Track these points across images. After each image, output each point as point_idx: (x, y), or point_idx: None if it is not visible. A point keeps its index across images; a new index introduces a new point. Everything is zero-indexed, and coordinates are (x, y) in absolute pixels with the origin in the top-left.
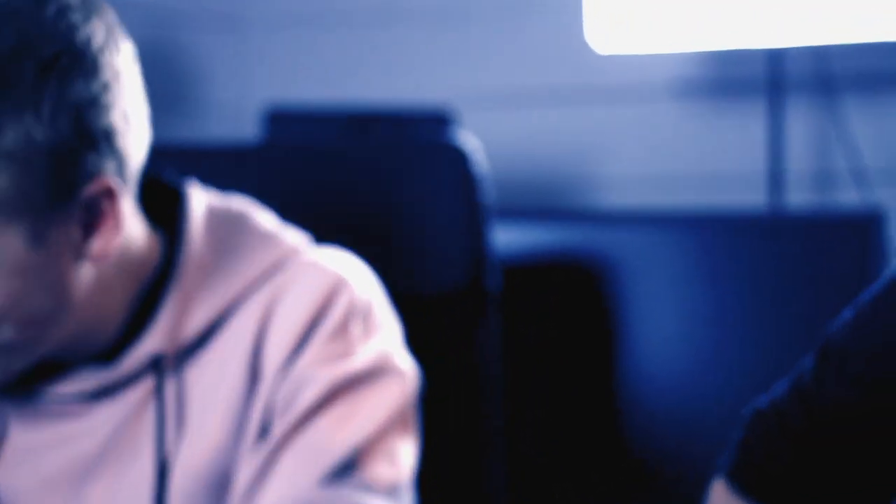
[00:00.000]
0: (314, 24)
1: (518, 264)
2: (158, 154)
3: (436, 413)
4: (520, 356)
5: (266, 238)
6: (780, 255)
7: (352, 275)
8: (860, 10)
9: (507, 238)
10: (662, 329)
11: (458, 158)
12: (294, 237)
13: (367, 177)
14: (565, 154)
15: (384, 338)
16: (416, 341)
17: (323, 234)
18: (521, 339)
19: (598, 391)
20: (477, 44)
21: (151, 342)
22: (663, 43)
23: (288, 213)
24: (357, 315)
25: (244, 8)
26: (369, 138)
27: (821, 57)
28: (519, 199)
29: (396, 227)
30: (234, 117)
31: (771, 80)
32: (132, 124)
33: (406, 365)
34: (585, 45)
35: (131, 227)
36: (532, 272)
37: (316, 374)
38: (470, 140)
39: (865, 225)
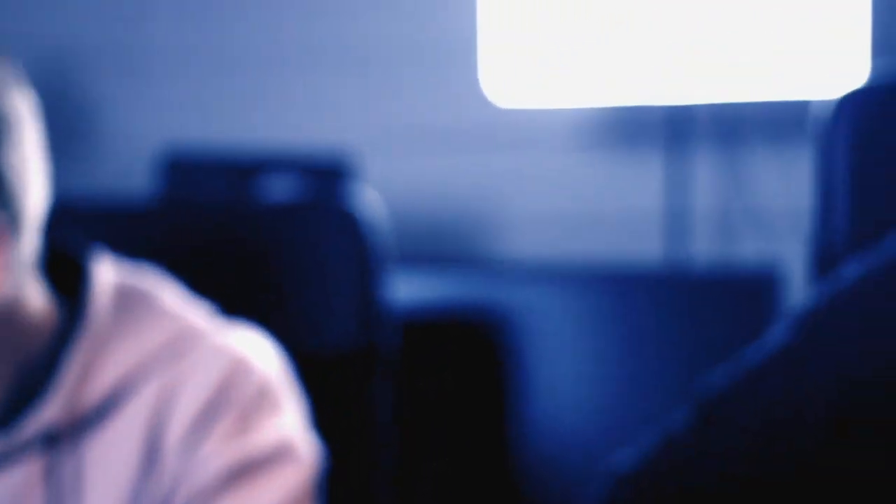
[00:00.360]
0: (216, 67)
1: (416, 314)
2: (56, 212)
3: (331, 471)
4: (417, 409)
5: (171, 315)
6: (678, 311)
7: (255, 355)
8: (759, 69)
9: (406, 286)
10: (561, 382)
11: (350, 220)
12: (199, 314)
13: (259, 235)
14: (466, 201)
15: (286, 420)
16: (311, 401)
17: (215, 293)
18: (418, 392)
19: (494, 445)
20: (378, 89)
21: (48, 412)
22: (559, 99)
23: (181, 272)
24: (259, 397)
25: (144, 49)
26: (265, 189)
27: (723, 108)
28: (418, 246)
29: (290, 288)
30: (132, 158)
31: (670, 130)
32: (28, 175)
33: (307, 448)
34: (484, 95)
35: (23, 284)
36: (430, 322)
37: (214, 457)
38: (364, 195)
39: (763, 282)
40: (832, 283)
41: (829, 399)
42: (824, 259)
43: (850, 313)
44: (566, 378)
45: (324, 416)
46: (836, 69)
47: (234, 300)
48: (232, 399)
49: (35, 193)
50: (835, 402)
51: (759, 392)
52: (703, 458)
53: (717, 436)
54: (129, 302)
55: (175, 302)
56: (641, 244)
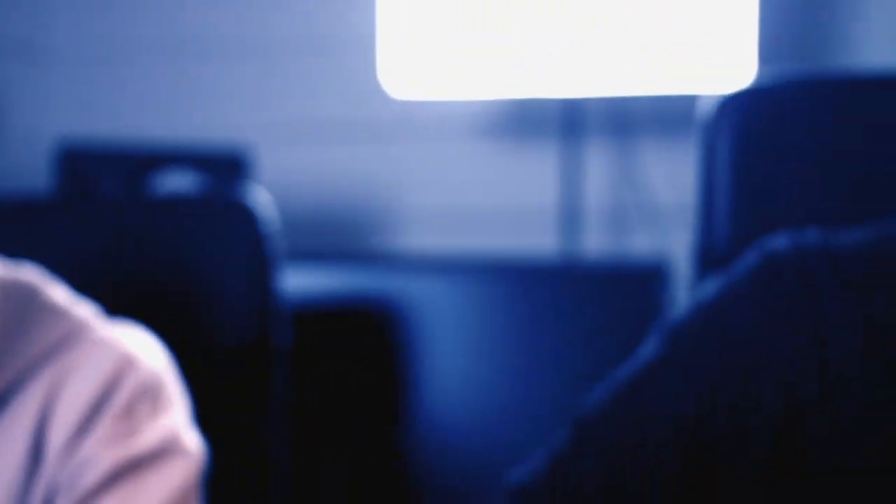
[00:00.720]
0: (114, 58)
1: (312, 308)
2: None
3: (221, 464)
4: (311, 402)
5: (54, 313)
6: (570, 303)
7: (141, 352)
8: (651, 63)
9: (301, 280)
10: (454, 374)
11: (245, 214)
12: (84, 312)
13: (154, 229)
14: (364, 193)
15: (172, 417)
16: (205, 394)
17: (111, 287)
18: (312, 385)
19: (387, 435)
20: (276, 81)
21: None
22: (457, 90)
23: (75, 266)
24: (144, 394)
25: (42, 40)
26: (161, 183)
27: (616, 102)
28: (315, 238)
29: (184, 281)
30: (28, 149)
31: (565, 124)
32: None
33: (193, 443)
34: (381, 87)
35: None
36: (326, 315)
37: (99, 455)
38: (260, 189)
39: (653, 276)
40: (699, 295)
41: (691, 413)
42: (706, 257)
43: (713, 327)
44: (460, 369)
45: (218, 410)
46: (725, 66)
47: (128, 294)
48: (117, 396)
49: None
50: (697, 416)
51: (630, 407)
52: (584, 474)
53: (595, 452)
54: (14, 299)
55: (61, 299)
56: (535, 237)
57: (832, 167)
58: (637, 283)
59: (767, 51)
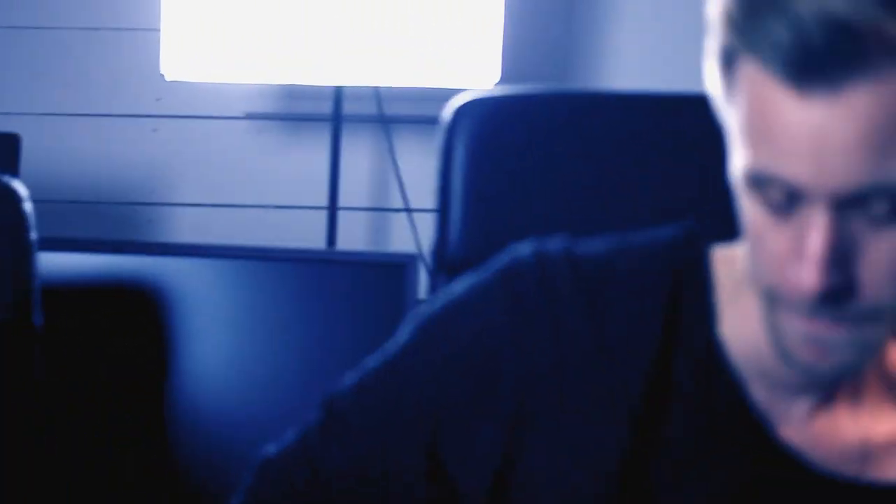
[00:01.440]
0: None
1: (74, 293)
2: None
3: None
4: (72, 383)
5: None
6: (331, 294)
7: None
8: (412, 56)
9: (67, 262)
10: (214, 357)
11: (5, 196)
12: None
13: None
14: (136, 177)
15: None
16: None
17: None
18: (74, 366)
19: (150, 417)
20: (46, 62)
21: None
22: (233, 74)
23: None
24: None
25: None
26: None
27: (378, 97)
28: (81, 222)
29: None
30: None
31: (334, 114)
32: None
33: None
34: (157, 70)
35: None
36: (89, 301)
37: None
38: (21, 172)
39: (411, 270)
40: (449, 291)
41: (435, 400)
42: (442, 257)
43: (459, 322)
44: (219, 354)
45: None
46: (474, 68)
47: None
48: None
49: None
50: (441, 403)
51: (379, 393)
52: (331, 454)
53: (343, 432)
54: None
55: None
56: (302, 225)
57: (556, 177)
58: (393, 274)
59: (514, 59)
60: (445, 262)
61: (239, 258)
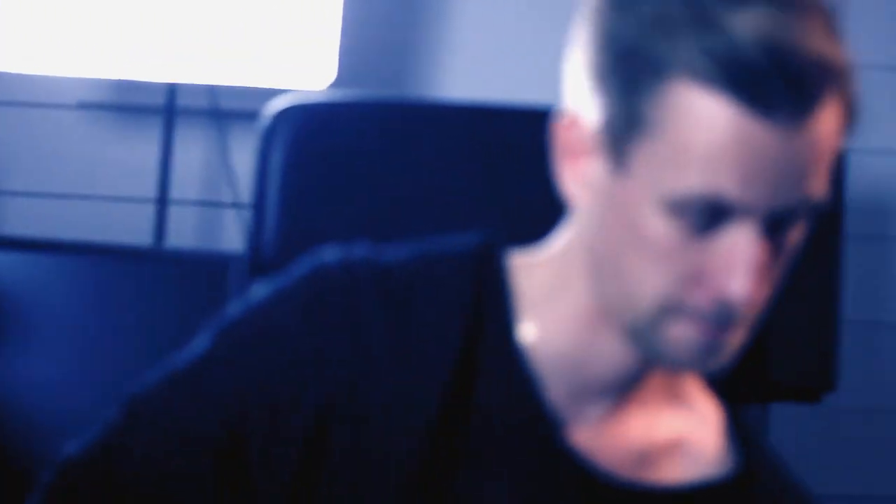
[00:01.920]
0: None
1: None
2: None
3: None
4: None
5: None
6: (160, 291)
7: None
8: (247, 54)
9: None
10: (50, 357)
11: None
12: None
13: None
14: None
15: None
16: None
17: None
18: None
19: None
20: None
21: None
22: (66, 66)
23: None
24: None
25: None
26: None
27: (211, 93)
28: None
29: None
30: None
31: (166, 111)
32: None
33: None
34: None
35: None
36: None
37: None
38: None
39: (238, 268)
40: (250, 296)
41: (232, 407)
42: (255, 260)
43: (259, 328)
44: (42, 354)
45: None
46: (307, 64)
47: None
48: None
49: None
50: (239, 412)
51: (176, 396)
52: (129, 453)
53: (141, 433)
54: None
55: None
56: (132, 222)
57: (371, 183)
58: (215, 274)
59: (352, 61)
60: (259, 264)
61: (62, 253)
